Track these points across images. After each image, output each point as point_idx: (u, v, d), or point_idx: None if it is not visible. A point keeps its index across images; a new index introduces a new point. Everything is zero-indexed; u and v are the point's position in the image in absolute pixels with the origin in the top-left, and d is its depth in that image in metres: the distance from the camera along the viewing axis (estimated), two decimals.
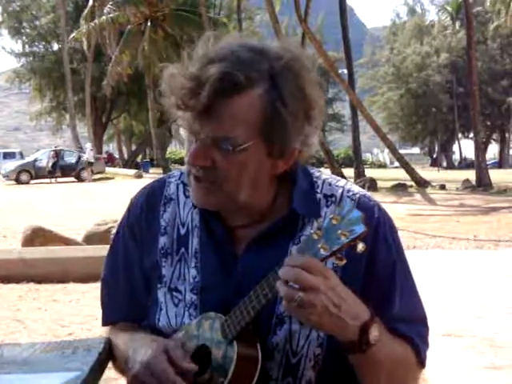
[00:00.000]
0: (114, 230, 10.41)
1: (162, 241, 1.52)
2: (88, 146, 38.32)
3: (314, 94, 1.35)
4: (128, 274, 1.57)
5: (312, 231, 1.28)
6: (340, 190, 1.48)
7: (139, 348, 1.43)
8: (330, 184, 1.49)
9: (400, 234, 1.53)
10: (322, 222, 1.28)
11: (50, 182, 34.15)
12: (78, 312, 7.34)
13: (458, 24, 68.92)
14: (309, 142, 1.39)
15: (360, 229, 1.23)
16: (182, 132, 1.40)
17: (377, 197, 1.48)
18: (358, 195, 1.47)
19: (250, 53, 1.33)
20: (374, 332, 1.30)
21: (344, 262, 1.26)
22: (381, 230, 1.43)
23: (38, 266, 8.83)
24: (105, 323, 1.65)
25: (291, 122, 1.32)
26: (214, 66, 1.29)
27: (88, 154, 35.77)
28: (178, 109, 1.34)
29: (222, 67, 1.29)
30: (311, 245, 1.27)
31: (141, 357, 1.39)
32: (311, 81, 1.36)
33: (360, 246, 1.24)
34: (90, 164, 35.43)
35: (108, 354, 1.58)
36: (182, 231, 1.51)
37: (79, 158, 35.95)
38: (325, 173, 1.54)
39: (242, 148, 1.32)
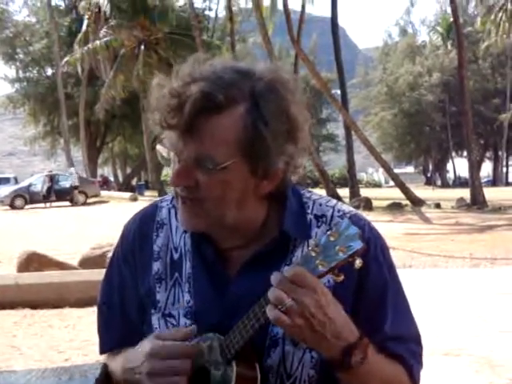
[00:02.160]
0: (109, 254, 10.37)
1: (156, 266, 1.52)
2: (72, 170, 38.22)
3: (298, 115, 1.36)
4: (123, 301, 1.57)
5: (309, 248, 1.28)
6: (330, 211, 1.48)
7: (131, 358, 1.43)
8: (320, 204, 1.49)
9: (396, 253, 1.54)
10: (319, 239, 1.28)
11: (45, 207, 34.09)
12: (74, 337, 7.30)
13: (449, 44, 69.40)
14: (295, 164, 1.39)
15: (357, 245, 1.24)
16: (165, 153, 1.41)
17: (372, 216, 1.49)
18: (348, 215, 1.47)
19: (233, 73, 1.34)
20: (358, 355, 1.29)
21: (342, 277, 1.26)
22: (372, 249, 1.43)
23: (33, 292, 8.79)
24: (102, 351, 1.64)
25: (272, 141, 1.32)
26: (196, 85, 1.30)
27: (73, 178, 35.65)
28: (161, 127, 1.35)
29: (202, 86, 1.30)
30: (309, 261, 1.27)
31: (138, 358, 1.40)
32: (296, 102, 1.36)
33: (357, 262, 1.25)
34: (76, 188, 35.31)
35: (105, 380, 1.57)
36: (175, 256, 1.52)
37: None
38: (315, 193, 1.54)
39: (223, 166, 1.32)
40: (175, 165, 1.37)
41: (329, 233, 1.27)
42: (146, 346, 1.40)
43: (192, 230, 1.45)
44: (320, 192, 1.62)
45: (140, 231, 1.56)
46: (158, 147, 1.42)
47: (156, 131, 1.37)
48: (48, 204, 34.67)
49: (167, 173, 59.61)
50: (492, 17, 57.73)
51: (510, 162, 73.97)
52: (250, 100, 1.32)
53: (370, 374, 1.34)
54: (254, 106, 1.32)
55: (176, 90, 1.32)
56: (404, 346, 1.44)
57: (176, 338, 1.39)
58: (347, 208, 1.50)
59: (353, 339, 1.29)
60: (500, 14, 56.89)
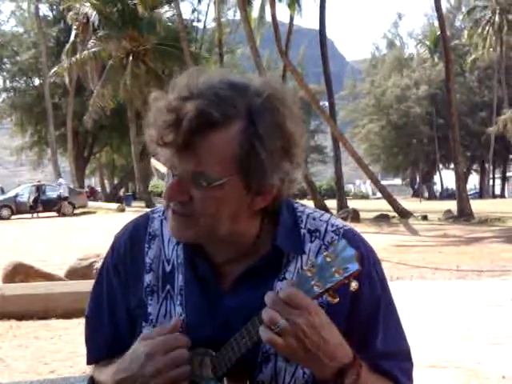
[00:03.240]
0: (96, 265, 10.35)
1: (148, 278, 1.51)
2: (61, 180, 38.06)
3: (294, 131, 1.35)
4: (112, 312, 1.56)
5: (306, 268, 1.28)
6: (324, 225, 1.48)
7: (124, 367, 1.42)
8: (314, 219, 1.49)
9: (383, 264, 1.53)
10: (315, 260, 1.27)
11: (32, 217, 33.92)
12: (60, 349, 7.25)
13: (436, 57, 69.84)
14: (290, 178, 1.38)
15: (354, 267, 1.23)
16: (159, 166, 1.40)
17: (360, 228, 1.49)
18: (342, 230, 1.47)
19: (229, 89, 1.33)
20: (352, 376, 1.29)
21: (337, 299, 1.25)
22: (365, 266, 1.42)
23: (19, 303, 8.73)
24: (89, 362, 1.63)
25: (268, 158, 1.31)
26: (192, 102, 1.30)
27: (62, 189, 35.49)
28: (157, 145, 1.34)
29: (198, 104, 1.29)
30: (304, 282, 1.26)
31: (134, 364, 1.38)
32: (292, 117, 1.35)
33: (353, 284, 1.24)
34: (66, 199, 35.15)
35: None
36: (168, 268, 1.51)
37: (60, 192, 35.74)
38: (309, 207, 1.53)
39: (217, 184, 1.32)
40: (169, 179, 1.37)
41: (325, 253, 1.26)
42: (137, 349, 1.39)
43: (181, 240, 1.44)
44: (308, 203, 1.61)
45: (131, 242, 1.55)
46: (153, 161, 1.41)
47: (151, 148, 1.37)
48: (35, 214, 34.48)
49: (155, 183, 59.59)
50: (479, 30, 58.33)
51: (496, 175, 74.40)
52: (246, 117, 1.32)
53: None
54: (250, 124, 1.31)
55: (172, 105, 1.31)
56: (395, 364, 1.44)
57: (164, 332, 1.38)
58: (341, 223, 1.50)
59: (347, 360, 1.29)
60: (487, 28, 57.48)
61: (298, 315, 1.23)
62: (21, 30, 56.18)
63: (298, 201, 1.56)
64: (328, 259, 1.25)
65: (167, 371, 1.35)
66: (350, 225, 1.53)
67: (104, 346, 1.57)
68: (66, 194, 35.21)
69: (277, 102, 1.34)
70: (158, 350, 1.36)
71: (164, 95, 1.35)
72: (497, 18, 56.31)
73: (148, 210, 1.65)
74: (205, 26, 54.23)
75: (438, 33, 43.91)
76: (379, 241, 17.43)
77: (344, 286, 1.24)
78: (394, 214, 29.24)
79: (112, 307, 1.56)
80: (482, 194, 68.18)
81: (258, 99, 1.33)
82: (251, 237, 1.44)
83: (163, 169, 1.39)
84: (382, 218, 27.95)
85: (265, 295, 1.27)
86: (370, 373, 1.36)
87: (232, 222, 1.38)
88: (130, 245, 1.55)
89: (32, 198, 35.38)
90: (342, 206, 32.50)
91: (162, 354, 1.36)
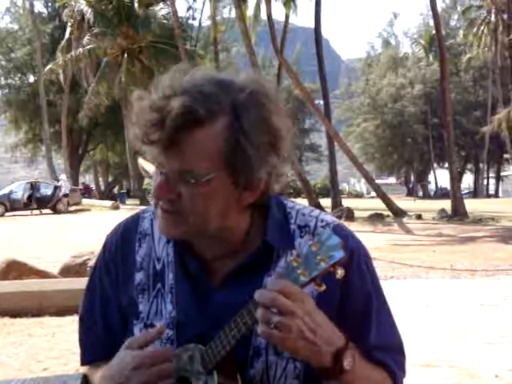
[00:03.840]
0: (90, 263, 10.34)
1: (138, 277, 1.52)
2: (63, 177, 38.04)
3: (280, 125, 1.35)
4: (105, 312, 1.56)
5: (291, 258, 1.29)
6: (314, 221, 1.48)
7: (110, 374, 1.42)
8: (303, 214, 1.50)
9: (377, 263, 1.54)
10: (301, 250, 1.28)
11: (26, 215, 33.85)
12: (53, 346, 7.23)
13: (431, 56, 69.88)
14: (278, 172, 1.39)
15: (339, 254, 1.24)
16: (147, 166, 1.40)
17: (354, 227, 1.49)
18: (331, 225, 1.48)
19: (213, 86, 1.33)
20: (348, 358, 1.30)
21: (323, 288, 1.26)
22: (355, 260, 1.44)
23: (12, 300, 8.71)
24: (83, 363, 1.63)
25: (255, 153, 1.32)
26: (176, 100, 1.30)
27: (64, 186, 35.50)
28: (142, 143, 1.34)
29: (183, 101, 1.29)
30: (291, 271, 1.27)
31: (120, 374, 1.38)
32: (277, 112, 1.36)
33: (339, 272, 1.25)
34: (66, 196, 35.15)
35: None
36: (158, 266, 1.51)
37: (55, 189, 35.64)
38: (298, 203, 1.55)
39: (205, 180, 1.32)
40: (157, 177, 1.37)
41: (310, 243, 1.27)
42: (124, 359, 1.39)
43: (171, 237, 1.45)
44: (302, 202, 1.62)
45: (122, 242, 1.56)
46: (140, 160, 1.41)
47: (137, 146, 1.36)
48: (29, 212, 34.39)
49: (149, 181, 59.57)
50: (474, 30, 58.38)
51: (490, 174, 74.54)
52: (231, 113, 1.32)
53: (358, 379, 1.34)
54: (236, 119, 1.32)
55: (156, 104, 1.32)
56: (389, 355, 1.46)
57: (148, 341, 1.38)
58: (330, 218, 1.51)
59: (341, 343, 1.30)
60: (482, 28, 57.55)
61: (293, 305, 1.24)
62: (16, 26, 56.04)
63: (290, 198, 1.57)
64: (313, 248, 1.26)
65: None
66: (339, 220, 1.54)
67: (98, 346, 1.58)
68: (67, 191, 35.14)
69: (261, 97, 1.34)
70: (144, 362, 1.36)
71: (147, 94, 1.35)
72: (492, 18, 56.39)
73: (141, 207, 1.65)
74: (200, 24, 54.28)
75: (433, 32, 43.97)
76: (373, 240, 17.46)
77: (333, 280, 1.26)
78: (389, 212, 29.28)
79: (104, 306, 1.56)
80: (476, 193, 68.31)
81: (242, 95, 1.33)
82: (241, 233, 1.44)
83: (151, 168, 1.39)
84: (376, 217, 27.98)
85: (255, 291, 1.27)
86: (363, 360, 1.38)
87: (221, 217, 1.38)
88: (121, 244, 1.56)
89: (26, 196, 35.30)
90: (336, 204, 32.54)
91: (148, 366, 1.36)
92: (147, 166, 1.41)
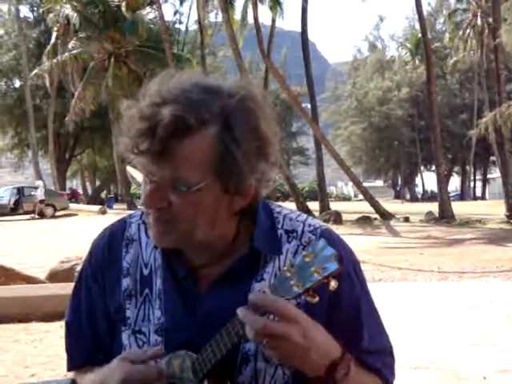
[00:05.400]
0: (78, 268, 10.30)
1: (126, 282, 1.51)
2: (39, 182, 37.78)
3: (268, 131, 1.35)
4: (91, 317, 1.56)
5: (285, 268, 1.27)
6: (301, 226, 1.48)
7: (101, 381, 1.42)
8: (290, 219, 1.49)
9: (365, 266, 1.54)
10: (294, 260, 1.27)
11: (12, 220, 33.67)
12: (40, 352, 7.19)
13: (417, 59, 70.15)
14: (266, 178, 1.38)
15: (333, 266, 1.23)
16: (135, 174, 1.39)
17: (342, 230, 1.49)
18: (319, 230, 1.48)
19: (202, 93, 1.32)
20: (342, 370, 1.30)
21: (317, 299, 1.25)
22: (343, 265, 1.43)
23: None
24: (70, 369, 1.63)
25: (245, 160, 1.31)
26: (166, 108, 1.29)
27: (40, 192, 35.17)
28: (132, 153, 1.33)
29: (173, 110, 1.28)
30: (284, 282, 1.26)
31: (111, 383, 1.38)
32: (265, 117, 1.36)
33: (333, 284, 1.24)
34: (42, 202, 34.84)
35: None
36: (145, 272, 1.50)
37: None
38: (285, 208, 1.54)
39: (196, 188, 1.32)
40: (146, 186, 1.36)
41: (304, 253, 1.26)
42: (117, 370, 1.38)
43: (163, 246, 1.44)
44: (290, 206, 1.62)
45: (109, 247, 1.55)
46: (128, 168, 1.40)
47: (126, 156, 1.35)
48: (15, 217, 34.21)
49: (137, 186, 59.45)
50: (460, 33, 58.62)
51: (477, 177, 74.89)
52: (220, 120, 1.31)
53: None
54: (225, 126, 1.31)
55: (145, 112, 1.31)
56: (379, 359, 1.46)
57: (144, 359, 1.37)
58: (318, 223, 1.51)
59: (337, 355, 1.30)
60: (468, 31, 57.78)
61: (287, 329, 1.23)
62: (1, 31, 55.77)
63: (278, 203, 1.57)
64: (307, 259, 1.25)
65: None
66: (327, 225, 1.54)
67: (84, 351, 1.57)
68: (43, 197, 34.88)
69: (250, 103, 1.34)
70: (135, 379, 1.35)
71: (135, 103, 1.34)
72: (478, 21, 56.61)
73: (128, 212, 1.65)
74: (187, 28, 54.29)
75: (419, 35, 44.11)
76: (361, 242, 17.48)
77: (322, 286, 1.24)
78: (376, 215, 29.34)
79: (91, 312, 1.56)
80: (463, 195, 68.61)
81: (232, 101, 1.33)
82: (228, 239, 1.44)
83: (139, 176, 1.38)
84: (364, 220, 28.03)
85: (242, 296, 1.27)
86: (359, 369, 1.38)
87: (211, 225, 1.38)
88: (108, 250, 1.55)
89: (13, 201, 35.12)
90: (324, 207, 32.60)
91: (138, 383, 1.35)
92: (135, 174, 1.39)
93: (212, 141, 1.31)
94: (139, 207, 1.50)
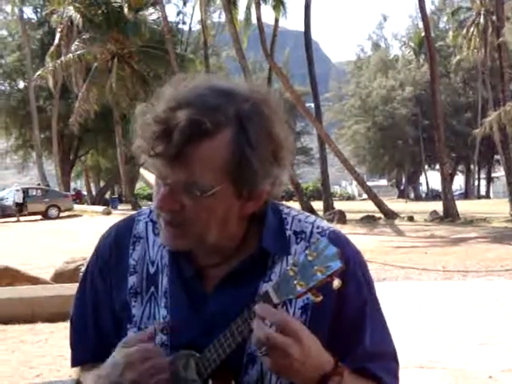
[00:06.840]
0: (83, 268, 10.28)
1: (132, 280, 1.51)
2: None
3: (282, 135, 1.35)
4: (97, 314, 1.55)
5: (288, 267, 1.27)
6: (310, 227, 1.48)
7: (104, 373, 1.41)
8: (299, 220, 1.49)
9: (369, 265, 1.53)
10: (297, 259, 1.27)
11: (17, 221, 33.73)
12: (46, 353, 7.21)
13: (421, 58, 70.07)
14: (279, 182, 1.39)
15: (336, 265, 1.23)
16: (148, 176, 1.40)
17: (346, 229, 1.49)
18: (327, 231, 1.47)
19: (217, 97, 1.33)
20: (334, 381, 1.31)
21: (320, 298, 1.25)
22: (351, 268, 1.42)
23: (4, 307, 8.68)
24: (74, 365, 1.62)
25: (259, 165, 1.32)
26: (182, 112, 1.29)
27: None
28: (148, 156, 1.33)
29: (189, 114, 1.29)
30: (287, 281, 1.26)
31: (114, 372, 1.38)
32: (279, 121, 1.36)
33: (336, 282, 1.24)
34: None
35: None
36: (152, 270, 1.50)
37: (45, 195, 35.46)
38: (294, 209, 1.54)
39: (210, 193, 1.32)
40: (160, 188, 1.36)
41: (307, 252, 1.26)
42: (118, 357, 1.39)
43: (175, 249, 1.44)
44: (294, 205, 1.62)
45: (116, 245, 1.55)
46: (142, 171, 1.41)
47: (142, 159, 1.36)
48: (20, 218, 34.27)
49: (141, 186, 59.46)
50: (463, 32, 58.53)
51: (481, 176, 74.73)
52: (236, 124, 1.31)
53: None
54: (241, 130, 1.31)
55: (161, 117, 1.31)
56: (382, 365, 1.45)
57: (143, 340, 1.38)
58: (326, 224, 1.50)
59: (329, 367, 1.31)
60: (471, 29, 57.68)
61: (288, 344, 1.25)
62: (5, 33, 55.86)
63: (283, 203, 1.57)
64: (310, 258, 1.25)
65: (146, 379, 1.35)
66: (335, 227, 1.53)
67: (89, 348, 1.57)
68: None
69: (264, 108, 1.34)
70: (137, 358, 1.36)
71: (150, 107, 1.35)
72: (481, 20, 56.50)
73: (133, 213, 1.64)
74: (190, 29, 54.24)
75: (423, 34, 44.04)
76: (365, 242, 17.46)
77: (329, 288, 1.24)
78: (380, 215, 29.31)
79: (96, 310, 1.55)
80: (467, 194, 68.48)
81: (247, 105, 1.33)
82: (237, 240, 1.44)
83: (152, 178, 1.38)
84: (368, 219, 28.01)
85: (249, 297, 1.28)
86: (351, 375, 1.37)
87: (222, 228, 1.38)
88: (115, 247, 1.54)
89: (18, 202, 35.14)
90: (328, 207, 32.56)
91: (141, 362, 1.35)
92: (149, 176, 1.40)
93: (228, 145, 1.31)
94: (144, 206, 1.50)
